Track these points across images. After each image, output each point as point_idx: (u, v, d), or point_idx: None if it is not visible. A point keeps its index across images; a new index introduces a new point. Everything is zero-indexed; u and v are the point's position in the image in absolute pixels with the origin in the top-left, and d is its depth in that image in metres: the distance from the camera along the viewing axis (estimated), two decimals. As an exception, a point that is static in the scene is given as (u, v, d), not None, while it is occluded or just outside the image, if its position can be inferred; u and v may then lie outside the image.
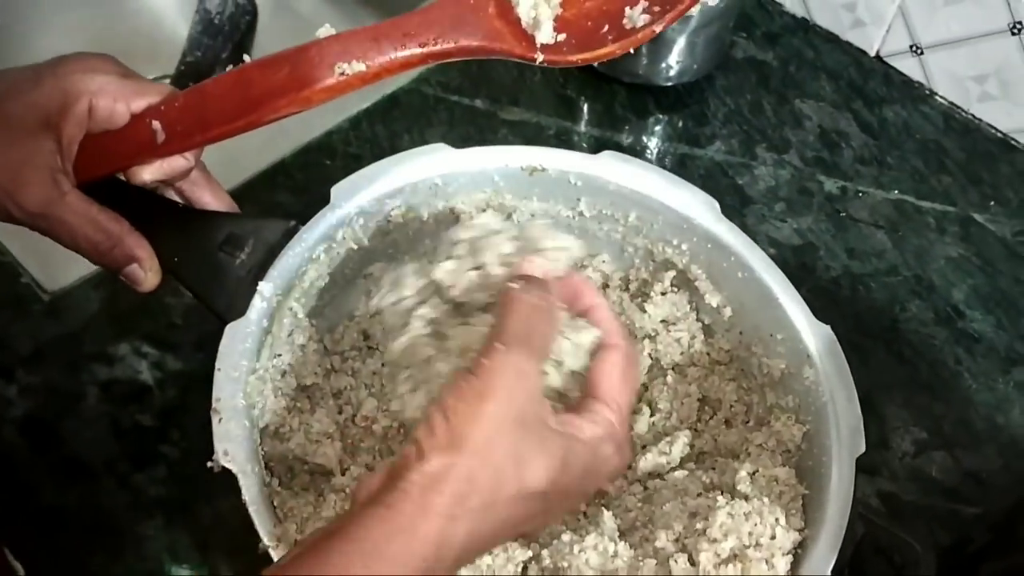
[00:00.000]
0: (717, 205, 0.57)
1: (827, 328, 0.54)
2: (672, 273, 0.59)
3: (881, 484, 0.65)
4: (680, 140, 0.83)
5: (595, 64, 0.84)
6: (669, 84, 0.85)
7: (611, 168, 0.58)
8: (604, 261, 0.62)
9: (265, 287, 0.52)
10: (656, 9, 0.47)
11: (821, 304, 0.73)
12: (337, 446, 0.54)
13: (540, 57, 0.49)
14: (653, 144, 0.83)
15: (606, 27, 0.48)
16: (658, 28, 0.47)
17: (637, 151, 0.82)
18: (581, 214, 0.60)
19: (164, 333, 0.68)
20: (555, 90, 0.85)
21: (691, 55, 0.83)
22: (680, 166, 0.81)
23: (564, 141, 0.82)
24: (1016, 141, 0.84)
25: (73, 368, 0.66)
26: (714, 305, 0.58)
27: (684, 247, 0.58)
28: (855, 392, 0.52)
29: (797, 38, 0.91)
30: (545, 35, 0.48)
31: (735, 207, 0.79)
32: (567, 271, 0.49)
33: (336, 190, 0.56)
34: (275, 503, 0.49)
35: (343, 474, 0.53)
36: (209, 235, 0.53)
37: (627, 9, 0.48)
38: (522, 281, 0.46)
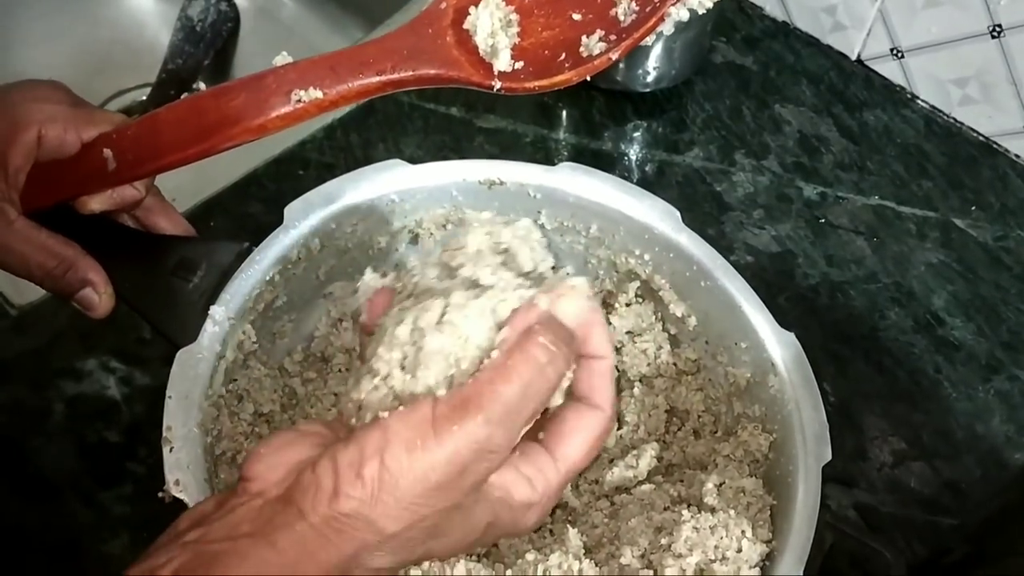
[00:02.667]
0: (678, 214, 0.57)
1: (791, 335, 0.53)
2: (636, 284, 0.59)
3: (859, 496, 0.64)
4: (658, 147, 0.82)
5: (572, 70, 0.84)
6: (647, 90, 0.84)
7: (570, 180, 0.58)
8: (568, 274, 0.61)
9: (217, 311, 0.51)
10: (612, 38, 0.47)
11: (799, 312, 0.73)
12: None
13: (497, 84, 0.49)
14: (630, 151, 0.82)
15: (563, 55, 0.48)
16: (615, 56, 0.47)
17: (615, 158, 0.81)
18: (542, 226, 0.59)
19: (133, 348, 0.67)
20: (532, 97, 0.84)
21: (669, 61, 0.82)
22: (658, 173, 0.81)
23: (541, 148, 0.81)
24: (998, 145, 0.83)
25: (40, 384, 0.65)
26: (679, 315, 0.57)
27: (647, 257, 0.57)
28: (820, 399, 0.51)
29: (777, 42, 0.90)
30: (503, 63, 0.48)
31: (713, 214, 0.78)
32: (590, 311, 0.43)
33: (289, 210, 0.55)
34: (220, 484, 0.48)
35: None
36: (161, 260, 0.53)
37: (584, 38, 0.47)
38: (545, 324, 0.41)
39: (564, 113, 0.84)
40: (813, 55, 0.89)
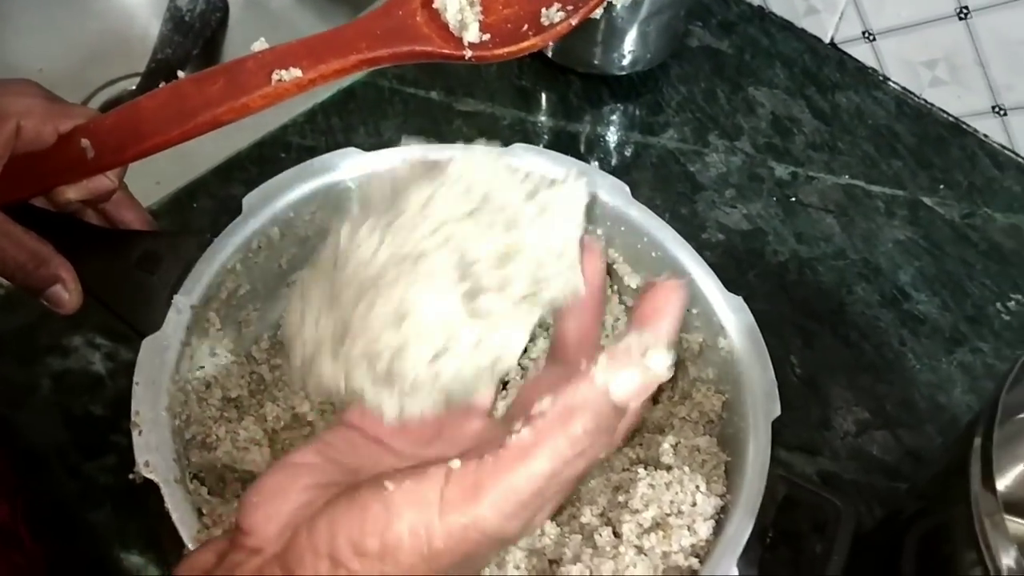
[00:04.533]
0: (627, 188, 0.58)
1: (739, 299, 0.55)
2: None
3: (822, 464, 0.66)
4: (634, 129, 0.84)
5: (549, 54, 0.86)
6: (623, 73, 0.86)
7: (522, 159, 0.59)
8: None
9: (180, 300, 0.53)
10: (570, 7, 0.49)
11: (769, 288, 0.75)
12: (266, 452, 0.54)
13: (468, 54, 0.50)
14: (607, 133, 0.84)
15: (526, 26, 0.50)
16: (574, 21, 0.49)
17: (591, 140, 0.83)
18: None
19: (117, 325, 0.68)
20: (510, 81, 0.86)
21: (644, 44, 0.84)
22: (634, 154, 0.82)
23: (518, 131, 0.83)
24: (967, 125, 0.85)
25: (28, 360, 0.67)
26: (634, 287, 0.59)
27: (600, 232, 0.59)
28: (768, 359, 0.53)
29: (753, 26, 0.91)
30: (472, 35, 0.50)
31: (686, 194, 0.80)
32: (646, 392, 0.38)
33: (248, 200, 0.57)
34: (204, 511, 0.50)
35: None
36: (125, 254, 0.54)
37: (543, 10, 0.50)
38: (590, 408, 0.36)
39: (541, 96, 0.85)
40: (787, 39, 0.91)
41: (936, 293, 0.75)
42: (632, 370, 0.36)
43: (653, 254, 0.57)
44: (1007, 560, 0.40)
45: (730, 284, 0.74)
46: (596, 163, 0.82)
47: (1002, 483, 0.57)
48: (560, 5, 0.49)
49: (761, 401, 0.52)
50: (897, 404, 0.69)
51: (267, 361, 0.60)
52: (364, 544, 0.36)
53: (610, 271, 0.60)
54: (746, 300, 0.73)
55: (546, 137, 0.83)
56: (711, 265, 0.75)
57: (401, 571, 0.36)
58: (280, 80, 0.49)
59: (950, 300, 0.74)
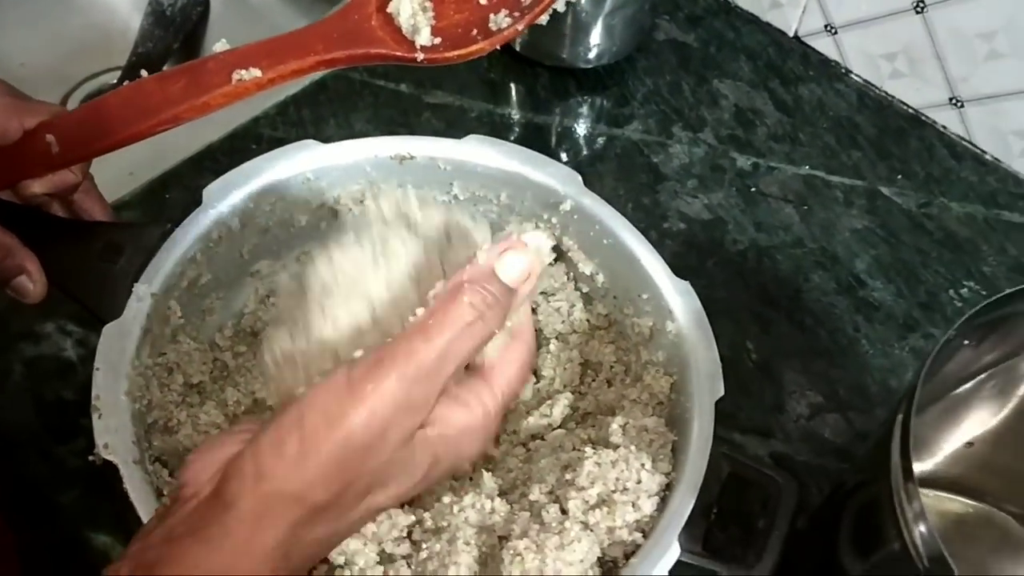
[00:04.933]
0: (579, 178, 0.60)
1: (686, 284, 0.57)
2: None
3: (775, 446, 0.68)
4: (600, 121, 0.86)
5: (517, 48, 0.88)
6: (590, 66, 0.87)
7: (477, 151, 0.61)
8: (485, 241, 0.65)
9: (140, 288, 0.54)
10: (516, 14, 0.51)
11: (727, 276, 0.77)
12: None
13: (420, 56, 0.52)
14: (573, 125, 0.85)
15: (475, 31, 0.52)
16: (520, 27, 0.51)
17: (558, 132, 0.85)
18: (456, 197, 0.63)
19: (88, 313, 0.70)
20: (479, 74, 0.88)
21: (609, 37, 0.86)
22: (598, 146, 0.84)
23: (486, 123, 0.85)
24: (926, 116, 0.86)
25: (0, 346, 0.69)
26: (588, 273, 0.60)
27: (554, 220, 0.61)
28: (714, 341, 0.55)
29: (719, 20, 0.93)
30: (424, 38, 0.52)
31: (649, 184, 0.81)
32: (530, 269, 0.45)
33: (208, 191, 0.58)
34: (166, 492, 0.51)
35: None
36: (88, 245, 0.56)
37: (492, 15, 0.51)
38: (479, 282, 0.42)
39: (509, 89, 0.87)
40: (753, 32, 0.92)
41: (891, 280, 0.77)
42: (514, 251, 0.42)
43: (605, 241, 0.59)
44: (919, 529, 0.42)
45: (689, 272, 0.76)
46: (564, 155, 0.84)
47: (936, 460, 0.59)
48: (507, 11, 0.51)
49: (706, 382, 0.54)
50: (850, 388, 0.71)
51: (230, 348, 0.62)
52: (284, 446, 0.38)
53: (565, 258, 0.62)
54: (704, 288, 0.75)
55: (514, 129, 0.85)
56: (672, 254, 0.77)
57: (324, 464, 0.38)
58: (240, 80, 0.51)
59: (904, 287, 0.76)
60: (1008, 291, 0.48)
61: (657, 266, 0.57)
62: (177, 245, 0.56)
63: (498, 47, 0.52)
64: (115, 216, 0.60)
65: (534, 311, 0.61)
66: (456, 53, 0.53)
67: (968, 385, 0.53)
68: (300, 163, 0.60)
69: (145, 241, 0.56)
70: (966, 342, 0.51)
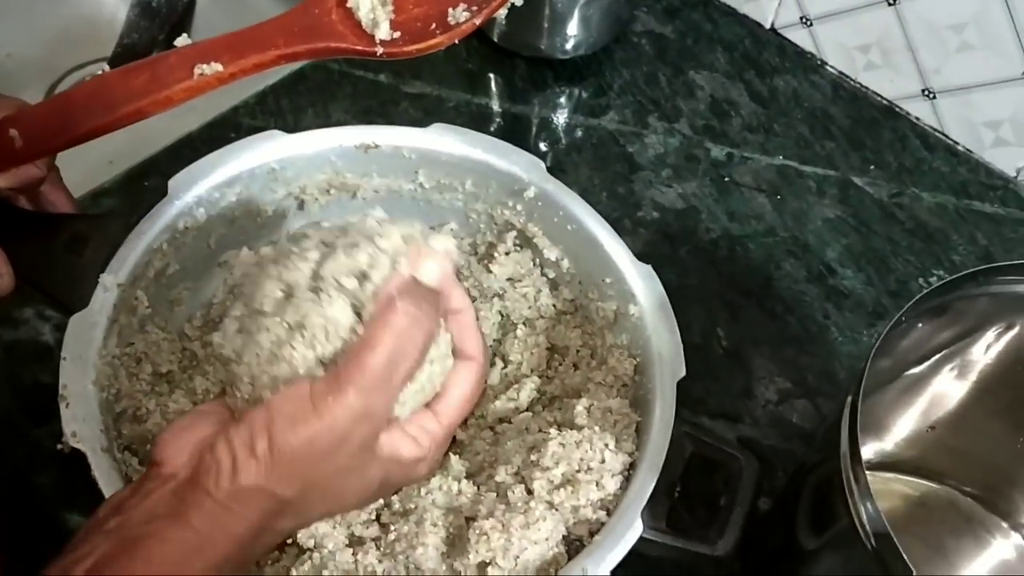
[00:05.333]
0: (543, 165, 0.61)
1: (648, 267, 0.58)
2: (513, 233, 0.63)
3: (743, 430, 0.69)
4: (576, 111, 0.87)
5: (495, 39, 0.89)
6: (567, 57, 0.88)
7: (441, 139, 0.62)
8: (452, 229, 0.65)
9: (106, 278, 0.55)
10: (475, 8, 0.52)
11: (699, 264, 0.78)
12: None
13: (380, 50, 0.53)
14: (550, 115, 0.86)
15: (434, 25, 0.53)
16: (478, 21, 0.52)
17: (534, 122, 0.86)
18: (422, 186, 0.63)
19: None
20: (457, 64, 0.89)
21: (586, 28, 0.86)
22: (574, 136, 0.85)
23: (464, 113, 0.85)
24: (900, 108, 0.87)
25: (-21, 332, 0.70)
26: (553, 259, 0.61)
27: (519, 207, 0.61)
28: (675, 323, 0.56)
29: (696, 12, 0.94)
30: (383, 32, 0.53)
31: (624, 174, 0.82)
32: (444, 269, 0.49)
33: (173, 182, 0.59)
34: (134, 479, 0.51)
35: None
36: (54, 237, 0.56)
37: (450, 10, 0.52)
38: (405, 290, 0.45)
39: (487, 79, 0.88)
40: (730, 24, 0.93)
41: (861, 269, 0.78)
42: (427, 257, 0.47)
43: (569, 227, 0.60)
44: (866, 508, 0.43)
45: (662, 260, 0.77)
46: (541, 144, 0.85)
47: (897, 442, 0.60)
48: (465, 5, 0.52)
49: (668, 363, 0.55)
50: (818, 374, 0.72)
51: (199, 338, 0.62)
52: (255, 445, 0.42)
53: (530, 244, 0.63)
54: (676, 276, 0.77)
55: (491, 119, 0.86)
56: (645, 242, 0.78)
57: (290, 464, 0.42)
58: (202, 74, 0.52)
59: (874, 276, 0.77)
60: (956, 275, 0.49)
61: (619, 250, 0.58)
62: (143, 236, 0.57)
63: (457, 41, 0.53)
64: (81, 208, 0.60)
65: (501, 297, 0.62)
66: (415, 47, 0.54)
67: (924, 366, 0.54)
68: (265, 153, 0.61)
69: (110, 232, 0.57)
70: (920, 324, 0.52)
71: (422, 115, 0.85)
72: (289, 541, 0.52)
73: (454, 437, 0.59)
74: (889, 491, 0.64)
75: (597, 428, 0.53)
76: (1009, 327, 0.53)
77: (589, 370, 0.60)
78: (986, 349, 0.54)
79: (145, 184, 0.79)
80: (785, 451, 0.68)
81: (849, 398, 0.46)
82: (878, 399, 0.57)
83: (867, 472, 0.66)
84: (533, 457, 0.53)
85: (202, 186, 0.60)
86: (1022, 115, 0.80)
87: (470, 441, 0.58)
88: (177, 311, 0.62)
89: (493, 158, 0.61)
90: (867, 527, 0.43)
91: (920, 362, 0.54)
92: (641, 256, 0.59)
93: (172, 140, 0.82)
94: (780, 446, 0.68)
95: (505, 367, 0.61)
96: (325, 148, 0.62)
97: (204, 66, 0.52)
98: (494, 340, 0.61)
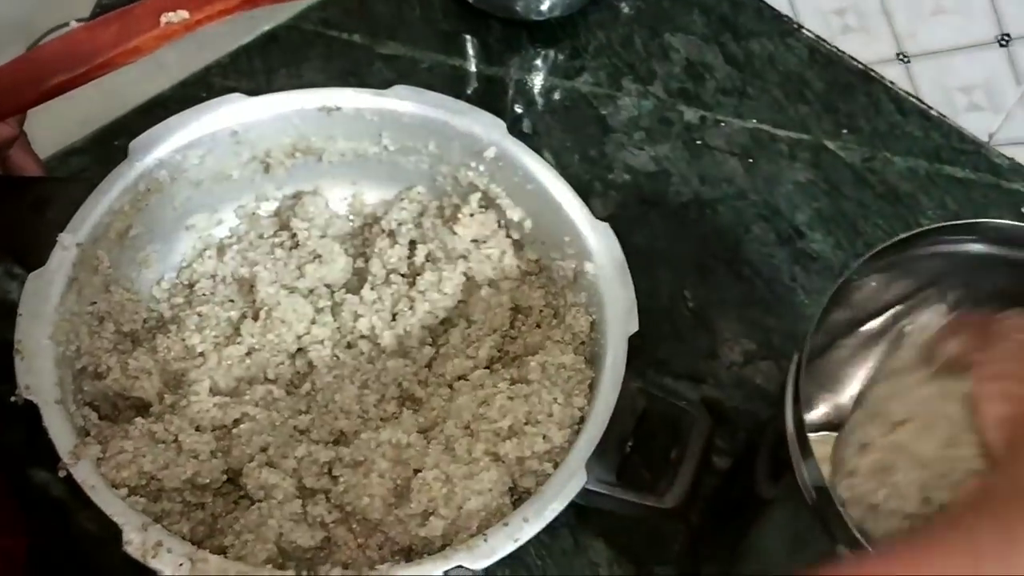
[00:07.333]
0: (503, 125, 0.61)
1: (605, 225, 0.58)
2: (478, 195, 0.63)
3: (707, 391, 0.69)
4: (551, 73, 0.86)
5: (471, 0, 0.88)
6: (542, 19, 0.88)
7: (402, 101, 0.62)
8: (420, 192, 0.65)
9: (65, 237, 0.55)
10: None
11: (669, 226, 0.78)
12: (156, 380, 0.56)
13: None
14: (523, 77, 0.86)
15: None
16: None
17: (508, 84, 0.86)
18: (387, 148, 0.63)
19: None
20: (433, 25, 0.88)
21: (562, -10, 0.86)
22: (549, 98, 0.85)
23: (438, 75, 0.85)
24: (875, 72, 0.87)
25: (-53, 289, 0.70)
26: (516, 220, 0.61)
27: (482, 168, 0.62)
28: (630, 279, 0.56)
29: (674, -26, 0.93)
30: None
31: (596, 136, 0.82)
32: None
33: (134, 145, 0.59)
34: (92, 432, 0.52)
35: (161, 403, 0.56)
36: (19, 199, 0.56)
37: None
38: None
39: (462, 41, 0.88)
40: (708, -14, 0.93)
41: (830, 232, 0.78)
42: None
43: (528, 187, 0.60)
44: (806, 463, 0.43)
45: (632, 223, 0.77)
46: (517, 107, 0.85)
47: (853, 397, 0.61)
48: None
49: (621, 318, 0.55)
50: (783, 336, 0.72)
51: (167, 300, 0.63)
52: None
53: (494, 205, 0.63)
54: (646, 238, 0.77)
55: (466, 80, 0.85)
56: (616, 204, 0.79)
57: None
58: (169, 22, 0.52)
59: (843, 239, 0.77)
60: (908, 233, 0.49)
61: (578, 209, 0.58)
62: (103, 196, 0.57)
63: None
64: (48, 172, 0.61)
65: (466, 258, 0.62)
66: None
67: (878, 322, 0.54)
68: (226, 116, 0.61)
69: (73, 194, 0.57)
70: (874, 283, 0.52)
71: (395, 76, 0.84)
72: (241, 493, 0.52)
73: (412, 394, 0.59)
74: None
75: (548, 383, 0.54)
76: (961, 285, 0.53)
77: (548, 328, 0.60)
78: (938, 307, 0.54)
79: (115, 144, 0.78)
80: (748, 411, 0.69)
81: (796, 355, 0.46)
82: (834, 356, 0.57)
83: (825, 430, 0.67)
84: (481, 410, 0.53)
85: (163, 149, 0.60)
86: (995, 80, 0.80)
87: (428, 398, 0.58)
88: (145, 272, 0.63)
89: (454, 118, 0.61)
90: (807, 480, 0.44)
91: (874, 318, 0.55)
92: (611, 218, 0.59)
93: (143, 100, 0.82)
94: (743, 407, 0.69)
95: (469, 327, 0.61)
96: (287, 111, 0.62)
97: (171, 14, 0.52)
98: (459, 301, 0.62)
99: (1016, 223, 0.51)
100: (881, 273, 0.52)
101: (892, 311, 0.54)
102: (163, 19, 0.53)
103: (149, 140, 0.60)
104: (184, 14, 0.52)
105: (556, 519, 0.55)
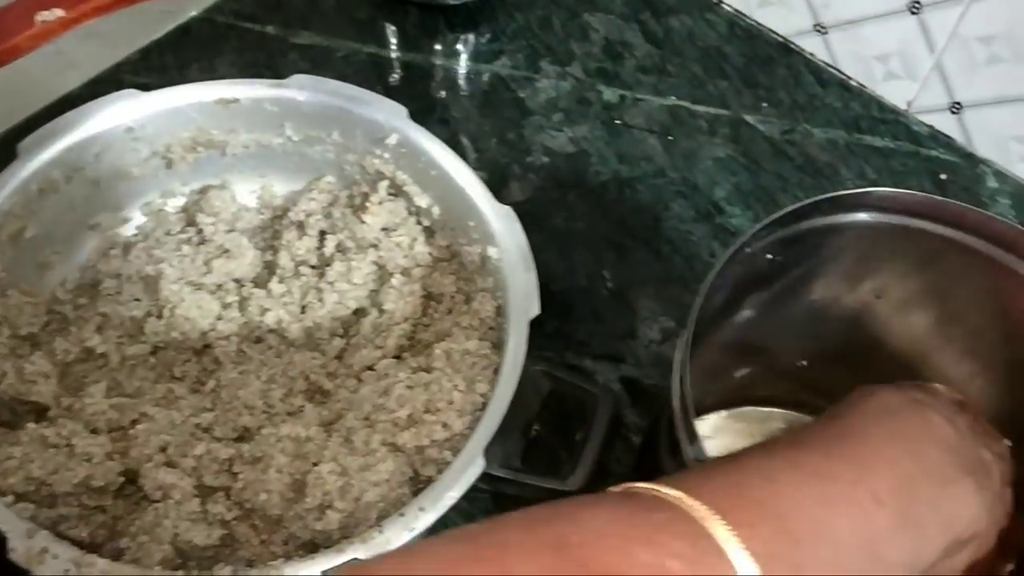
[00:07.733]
0: (405, 111, 0.60)
1: (508, 208, 0.58)
2: (386, 183, 0.62)
3: (625, 371, 0.69)
4: (469, 58, 0.86)
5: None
6: (459, 3, 0.87)
7: (301, 91, 0.61)
8: (329, 182, 0.65)
9: None
10: None
11: (587, 207, 0.77)
12: (53, 383, 0.55)
13: None
14: (441, 63, 0.85)
15: None
16: None
17: (425, 69, 0.85)
18: (290, 139, 0.63)
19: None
20: (348, 13, 0.87)
21: (476, -27, 0.85)
22: (466, 83, 0.84)
23: (353, 63, 0.84)
24: (794, 44, 0.87)
25: None
26: (424, 206, 0.61)
27: (387, 156, 0.61)
28: (532, 262, 0.56)
29: (593, -47, 0.93)
30: None
31: (514, 119, 0.81)
32: None
33: (22, 145, 0.57)
34: None
35: (58, 406, 0.55)
36: None
37: None
38: None
39: (377, 28, 0.87)
40: (626, -35, 0.92)
41: (750, 207, 0.78)
42: None
43: (432, 172, 0.59)
44: (692, 442, 0.43)
45: (551, 205, 0.77)
46: (435, 93, 0.84)
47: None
48: None
49: (523, 301, 0.55)
50: (702, 313, 0.72)
51: (71, 301, 0.62)
52: None
53: (401, 192, 0.63)
54: (565, 220, 0.76)
55: (383, 68, 0.84)
56: (534, 187, 0.78)
57: None
58: (45, 21, 0.52)
59: (763, 213, 0.77)
60: (799, 204, 0.49)
61: (480, 193, 0.58)
62: None
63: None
64: None
65: (376, 247, 0.62)
66: None
67: (768, 292, 0.54)
68: (119, 113, 0.60)
69: None
70: (769, 256, 0.52)
71: (310, 67, 0.83)
72: (142, 494, 0.52)
73: (320, 386, 0.59)
74: (769, 428, 0.65)
75: (450, 370, 0.53)
76: (856, 257, 0.53)
77: (457, 315, 0.60)
78: (836, 278, 0.54)
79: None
80: (666, 388, 0.68)
81: (683, 332, 0.46)
82: (749, 332, 0.57)
83: (753, 407, 0.67)
84: (381, 401, 0.53)
85: (55, 148, 0.58)
86: (909, 48, 0.80)
87: (335, 390, 0.58)
88: (47, 275, 0.61)
89: (355, 106, 0.61)
90: (690, 456, 0.44)
91: (763, 288, 0.55)
92: (529, 201, 0.59)
93: (53, 99, 0.80)
94: (662, 384, 0.69)
95: (380, 316, 0.60)
96: (183, 105, 0.61)
97: (45, 13, 0.52)
98: (371, 291, 0.61)
99: (905, 191, 0.52)
100: (777, 246, 0.51)
101: (780, 283, 0.54)
102: (38, 18, 0.52)
103: (39, 139, 0.58)
104: (59, 12, 0.52)
105: (474, 509, 0.55)
